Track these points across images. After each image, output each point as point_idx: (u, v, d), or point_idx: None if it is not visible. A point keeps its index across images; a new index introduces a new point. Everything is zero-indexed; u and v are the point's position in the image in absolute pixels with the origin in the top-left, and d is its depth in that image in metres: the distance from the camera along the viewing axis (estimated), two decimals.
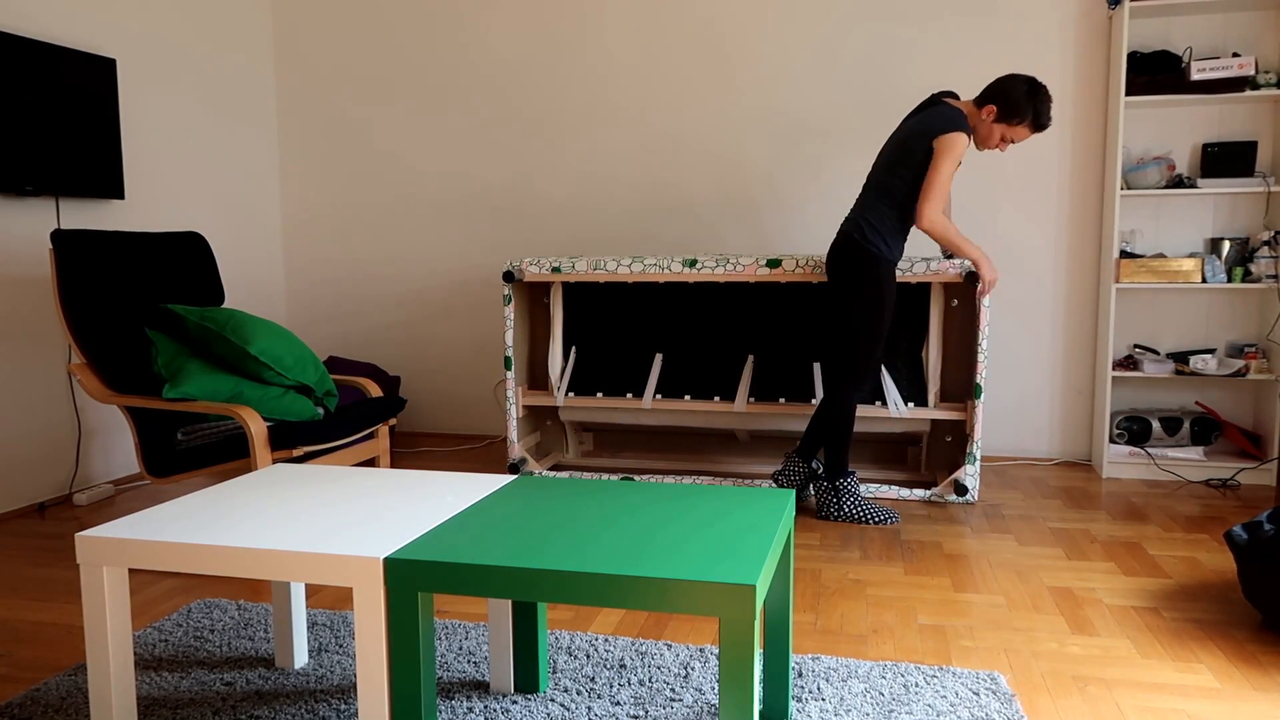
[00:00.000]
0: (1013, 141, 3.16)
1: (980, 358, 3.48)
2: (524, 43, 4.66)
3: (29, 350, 3.60)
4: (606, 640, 2.30)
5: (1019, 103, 3.07)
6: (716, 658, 2.20)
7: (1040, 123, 3.11)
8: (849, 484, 3.31)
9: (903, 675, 2.10)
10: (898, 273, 3.48)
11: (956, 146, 3.03)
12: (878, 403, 3.65)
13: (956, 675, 2.10)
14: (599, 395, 3.88)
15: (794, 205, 4.43)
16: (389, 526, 1.72)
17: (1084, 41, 4.09)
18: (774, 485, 3.48)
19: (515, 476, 2.10)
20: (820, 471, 3.42)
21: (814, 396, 3.69)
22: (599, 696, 2.02)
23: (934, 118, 3.11)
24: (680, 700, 2.00)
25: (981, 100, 3.16)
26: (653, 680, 2.09)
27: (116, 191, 3.82)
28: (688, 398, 3.81)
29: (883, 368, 3.68)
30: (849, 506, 3.29)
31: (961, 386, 3.79)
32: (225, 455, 3.06)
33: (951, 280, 3.46)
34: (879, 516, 3.28)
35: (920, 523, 3.31)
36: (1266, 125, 3.94)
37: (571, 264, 3.75)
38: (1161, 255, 3.91)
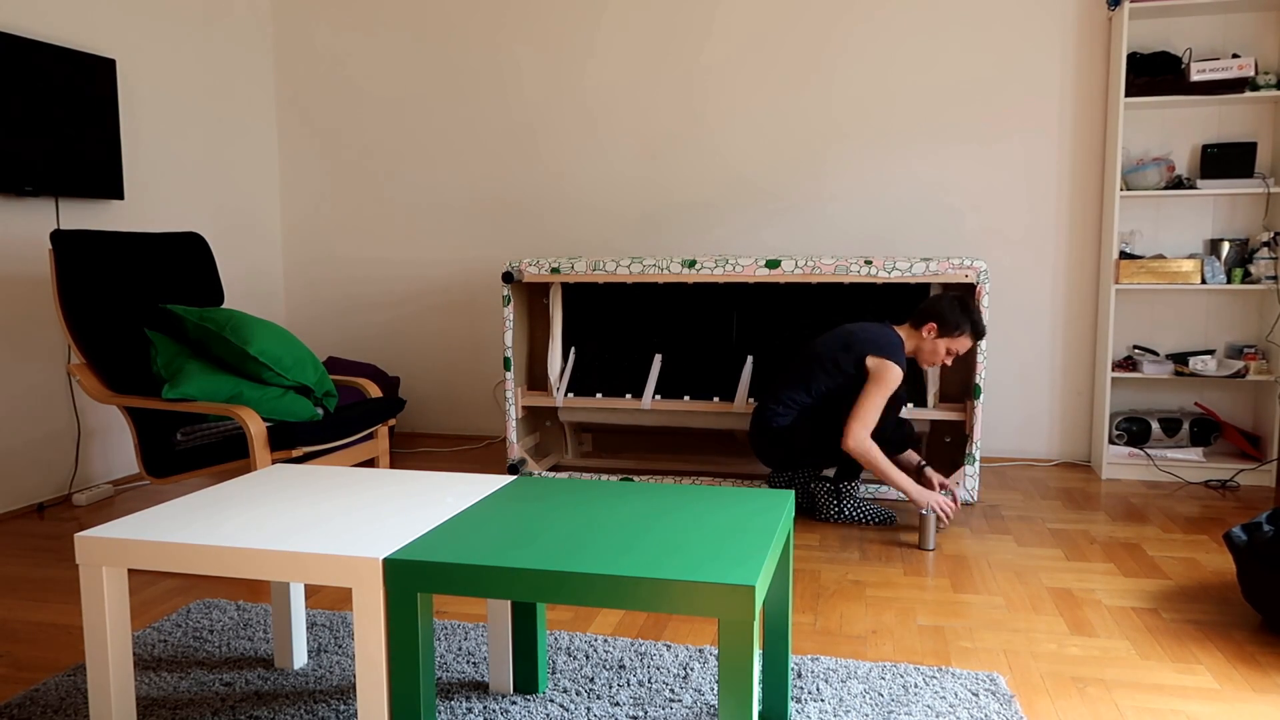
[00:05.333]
0: (957, 354, 3.25)
1: (979, 358, 3.48)
2: (523, 44, 4.66)
3: (29, 350, 3.60)
4: (606, 641, 2.30)
5: (956, 319, 3.21)
6: (716, 658, 2.20)
7: (979, 330, 3.24)
8: (851, 487, 3.32)
9: (902, 676, 2.10)
10: (901, 271, 3.48)
11: (889, 377, 3.12)
12: None
13: (956, 676, 2.10)
14: (598, 396, 3.88)
15: (794, 205, 4.43)
16: (388, 527, 1.72)
17: (1084, 42, 4.09)
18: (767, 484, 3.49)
19: (514, 477, 2.10)
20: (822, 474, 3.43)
21: None
22: (598, 697, 2.02)
23: (872, 337, 3.22)
24: (679, 701, 2.00)
25: (919, 321, 3.26)
26: (652, 681, 2.09)
27: (116, 192, 3.82)
28: (687, 398, 3.81)
29: None
30: (849, 509, 3.30)
31: (960, 387, 3.79)
32: (225, 456, 3.06)
33: (951, 280, 3.46)
34: (877, 518, 3.28)
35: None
36: (1266, 126, 3.94)
37: (571, 264, 3.75)
38: (1161, 256, 3.91)
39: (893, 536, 3.16)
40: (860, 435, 3.11)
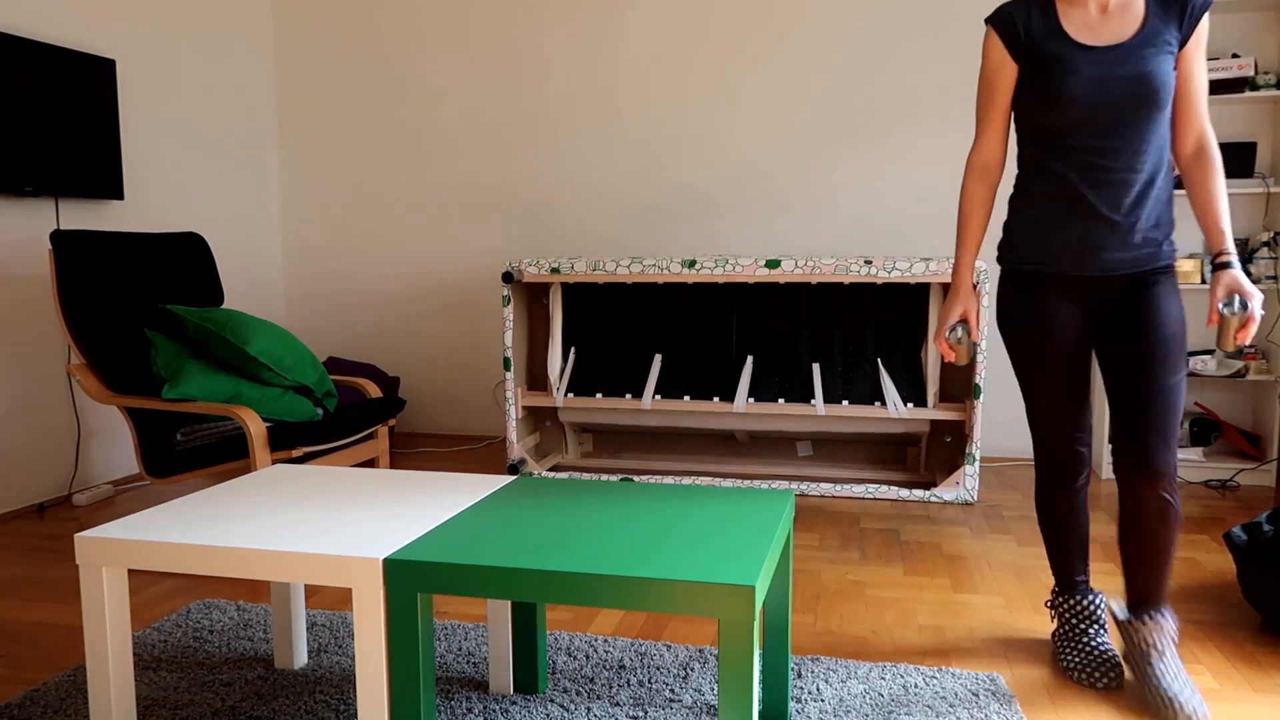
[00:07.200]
0: None
1: (980, 359, 3.48)
2: (523, 43, 4.66)
3: (29, 350, 3.60)
4: (606, 641, 2.30)
5: None
6: (716, 658, 2.20)
7: None
8: (1069, 607, 2.20)
9: (902, 676, 2.10)
10: (901, 271, 3.47)
11: (982, 51, 2.26)
12: (876, 403, 3.65)
13: (956, 676, 2.10)
14: (598, 396, 3.88)
15: (794, 205, 4.43)
16: (388, 527, 1.72)
17: None
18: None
19: (514, 477, 2.10)
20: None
21: (813, 397, 3.69)
22: (598, 697, 2.02)
23: None
24: (679, 701, 2.00)
25: None
26: (652, 681, 2.09)
27: (116, 192, 3.82)
28: (687, 398, 3.81)
29: (883, 370, 3.68)
30: (1060, 647, 2.19)
31: (961, 387, 3.79)
32: (225, 456, 3.06)
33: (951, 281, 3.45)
34: (1086, 676, 2.08)
35: (919, 523, 3.31)
36: (1266, 126, 3.94)
37: (570, 264, 3.75)
38: None
39: (892, 536, 3.16)
40: (968, 158, 2.18)
